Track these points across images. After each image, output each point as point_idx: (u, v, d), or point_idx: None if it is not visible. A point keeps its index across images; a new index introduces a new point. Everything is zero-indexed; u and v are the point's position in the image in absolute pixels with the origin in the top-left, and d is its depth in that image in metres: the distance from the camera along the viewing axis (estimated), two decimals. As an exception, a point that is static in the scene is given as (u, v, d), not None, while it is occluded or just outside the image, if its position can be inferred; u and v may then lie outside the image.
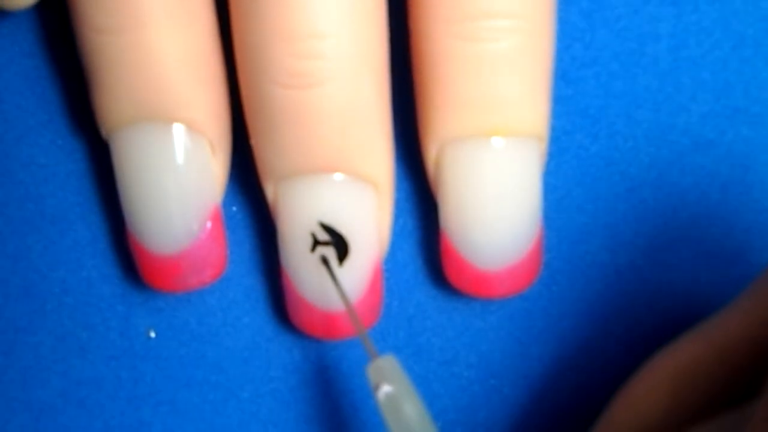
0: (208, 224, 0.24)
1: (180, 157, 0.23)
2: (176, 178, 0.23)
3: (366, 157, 0.23)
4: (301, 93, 0.22)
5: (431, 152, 0.24)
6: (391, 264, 0.26)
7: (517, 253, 0.24)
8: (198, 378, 0.26)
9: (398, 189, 0.25)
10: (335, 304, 0.24)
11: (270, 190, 0.24)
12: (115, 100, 0.23)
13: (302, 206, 0.23)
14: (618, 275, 0.26)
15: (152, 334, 0.26)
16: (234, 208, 0.26)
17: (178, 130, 0.23)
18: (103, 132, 0.24)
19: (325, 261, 0.23)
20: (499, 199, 0.23)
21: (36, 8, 0.25)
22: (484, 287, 0.24)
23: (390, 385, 0.22)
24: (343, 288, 0.23)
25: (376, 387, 0.22)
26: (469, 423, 0.26)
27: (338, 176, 0.23)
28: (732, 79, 0.25)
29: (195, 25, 0.23)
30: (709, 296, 0.26)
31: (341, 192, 0.23)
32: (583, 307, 0.26)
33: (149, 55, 0.23)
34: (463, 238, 0.24)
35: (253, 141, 0.24)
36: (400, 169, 0.25)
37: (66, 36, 0.24)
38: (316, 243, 0.23)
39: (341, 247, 0.23)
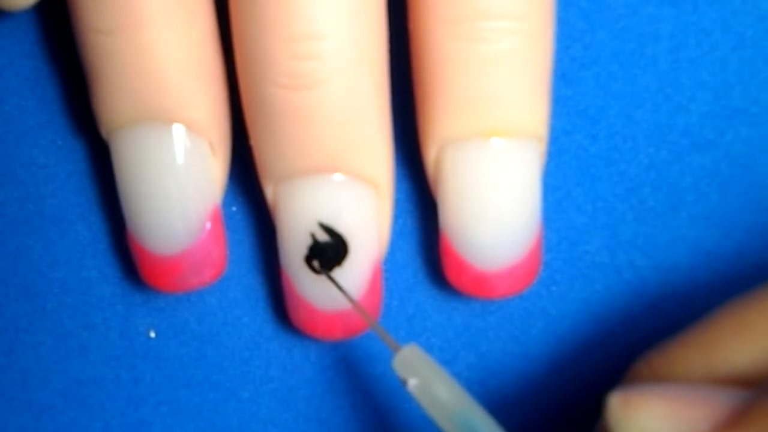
0: (208, 224, 0.24)
1: (180, 157, 0.23)
2: (176, 179, 0.23)
3: (365, 158, 0.23)
4: (300, 94, 0.22)
5: (431, 153, 0.24)
6: (390, 264, 0.26)
7: (517, 253, 0.24)
8: (198, 378, 0.26)
9: (398, 189, 0.25)
10: (335, 304, 0.24)
11: (269, 191, 0.24)
12: (114, 101, 0.23)
13: (302, 207, 0.23)
14: (617, 275, 0.26)
15: (152, 334, 0.26)
16: (234, 209, 0.26)
17: (178, 130, 0.23)
18: (103, 132, 0.24)
19: (320, 268, 0.24)
20: (498, 200, 0.23)
21: (36, 9, 0.25)
22: (484, 287, 0.24)
23: (415, 377, 0.22)
24: (347, 290, 0.24)
25: (404, 381, 0.22)
26: (468, 423, 0.26)
27: (338, 176, 0.23)
28: (731, 79, 0.25)
29: (195, 25, 0.23)
30: (709, 296, 0.26)
31: (341, 192, 0.23)
32: (583, 308, 0.26)
33: (149, 55, 0.23)
34: (462, 239, 0.24)
35: (253, 141, 0.24)
36: (399, 170, 0.25)
37: (66, 37, 0.24)
38: (316, 243, 0.23)
39: (341, 247, 0.23)
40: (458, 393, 0.22)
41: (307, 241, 0.23)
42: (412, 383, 0.22)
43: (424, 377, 0.22)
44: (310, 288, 0.24)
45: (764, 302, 0.20)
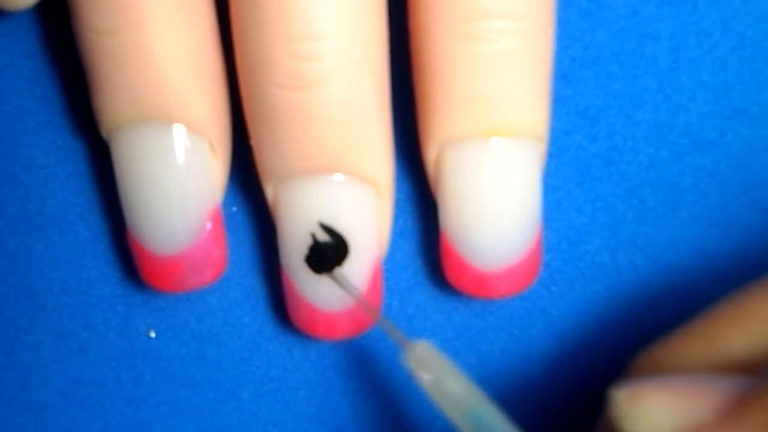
0: (208, 224, 0.24)
1: (180, 157, 0.23)
2: (176, 179, 0.23)
3: (366, 158, 0.23)
4: (300, 94, 0.22)
5: (431, 153, 0.24)
6: (391, 264, 0.26)
7: (517, 253, 0.24)
8: (198, 378, 0.26)
9: (398, 189, 0.25)
10: (335, 304, 0.24)
11: (270, 191, 0.24)
12: (115, 101, 0.23)
13: (302, 207, 0.23)
14: (617, 276, 0.26)
15: (152, 334, 0.26)
16: (234, 209, 0.26)
17: (178, 130, 0.23)
18: (104, 132, 0.24)
19: (321, 268, 0.24)
20: (498, 200, 0.23)
21: (36, 9, 0.25)
22: (484, 288, 0.24)
23: (427, 373, 0.22)
24: (352, 285, 0.24)
25: (417, 377, 0.22)
26: (468, 423, 0.26)
27: (338, 177, 0.23)
28: (731, 79, 0.25)
29: (195, 25, 0.23)
30: (709, 296, 0.26)
31: (341, 192, 0.23)
32: (583, 308, 0.26)
33: (149, 55, 0.23)
34: (462, 239, 0.24)
35: (253, 142, 0.24)
36: (400, 170, 0.25)
37: (66, 37, 0.24)
38: (316, 243, 0.23)
39: (341, 247, 0.23)
40: (471, 389, 0.22)
41: (308, 241, 0.23)
42: (426, 379, 0.22)
43: (437, 373, 0.22)
44: (310, 288, 0.24)
45: (762, 293, 0.21)
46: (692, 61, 0.25)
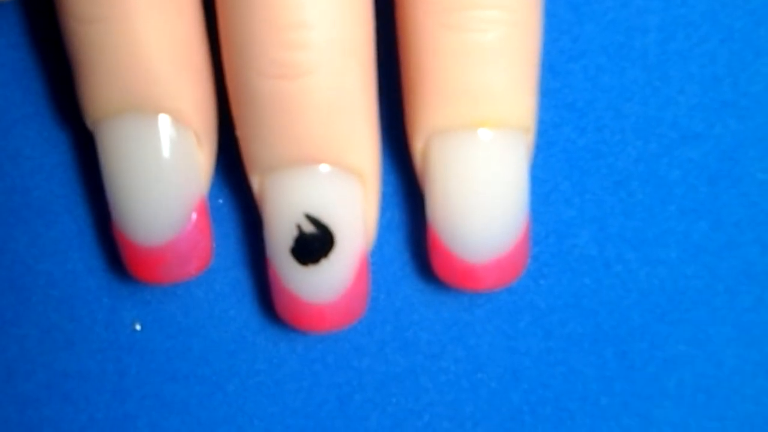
0: (194, 216, 0.24)
1: (165, 148, 0.23)
2: (162, 170, 0.23)
3: (352, 149, 0.23)
4: (287, 83, 0.22)
5: (418, 144, 0.24)
6: (378, 257, 0.26)
7: (504, 245, 0.24)
8: (183, 371, 0.26)
9: (385, 182, 0.25)
10: (321, 296, 0.24)
11: (256, 182, 0.24)
12: (100, 91, 0.23)
13: (288, 198, 0.23)
14: (605, 269, 0.26)
15: (138, 327, 0.26)
16: (220, 201, 0.26)
17: (164, 121, 0.23)
18: (88, 123, 0.24)
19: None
20: (486, 192, 0.23)
21: (21, -1, 0.25)
22: (472, 280, 0.24)
23: None
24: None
25: None
26: (456, 417, 0.26)
27: (324, 167, 0.23)
28: (720, 72, 0.25)
29: (181, 15, 0.23)
30: (697, 289, 0.26)
31: (327, 183, 0.23)
32: (571, 301, 0.26)
33: (135, 45, 0.22)
34: (450, 231, 0.24)
35: (239, 132, 0.23)
36: (386, 162, 0.25)
37: (51, 27, 0.24)
38: (302, 235, 0.23)
39: (327, 239, 0.23)
40: None
41: (293, 233, 0.23)
42: None
43: None
44: (296, 280, 0.24)
45: None
46: (681, 53, 0.25)
